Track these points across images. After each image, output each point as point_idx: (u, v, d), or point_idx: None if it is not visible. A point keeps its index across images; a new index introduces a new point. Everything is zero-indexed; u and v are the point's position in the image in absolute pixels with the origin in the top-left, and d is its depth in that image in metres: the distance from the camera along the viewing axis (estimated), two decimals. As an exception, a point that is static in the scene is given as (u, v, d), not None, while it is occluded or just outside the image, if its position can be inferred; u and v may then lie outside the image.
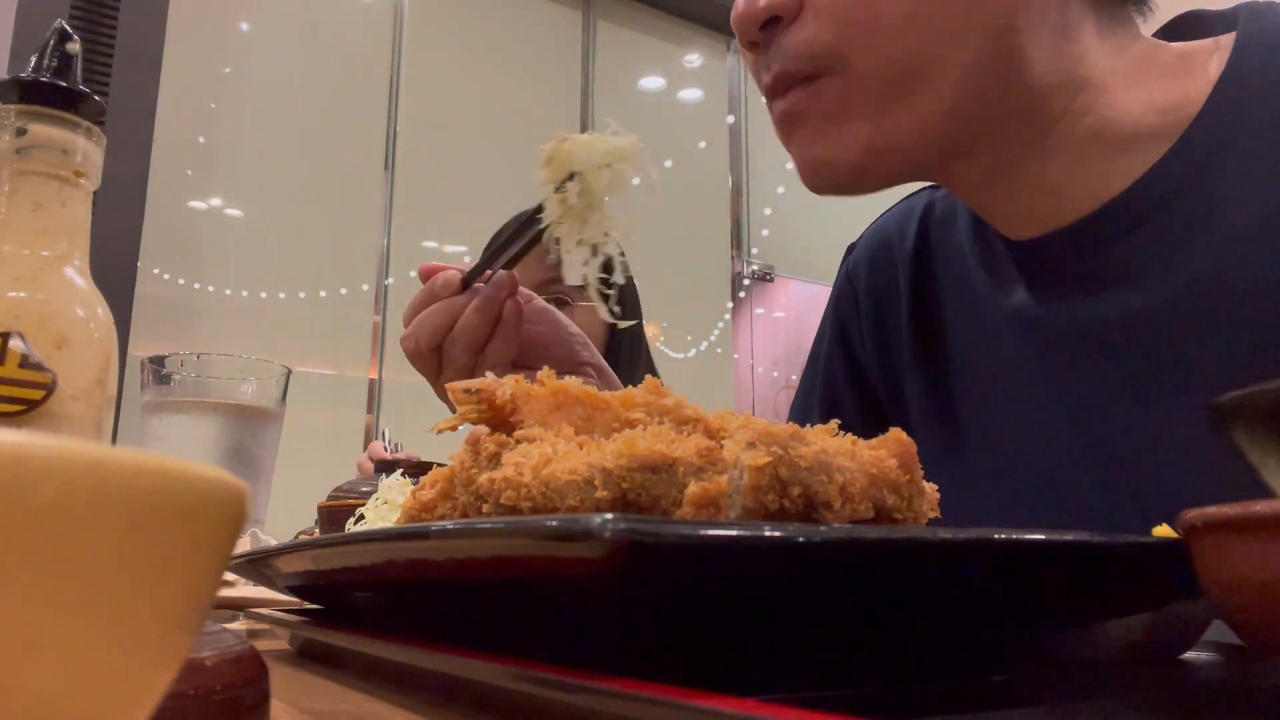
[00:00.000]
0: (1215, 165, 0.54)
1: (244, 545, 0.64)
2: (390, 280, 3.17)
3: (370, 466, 1.69)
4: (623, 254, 0.64)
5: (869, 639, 0.29)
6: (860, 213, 0.86)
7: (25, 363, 0.43)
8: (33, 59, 0.47)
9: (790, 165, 0.61)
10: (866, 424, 0.74)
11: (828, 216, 3.23)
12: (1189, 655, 0.36)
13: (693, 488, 0.28)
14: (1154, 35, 0.63)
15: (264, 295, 2.95)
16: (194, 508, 0.14)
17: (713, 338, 3.94)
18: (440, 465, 0.39)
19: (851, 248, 0.82)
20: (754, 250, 4.08)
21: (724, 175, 4.07)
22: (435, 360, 0.71)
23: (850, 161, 0.57)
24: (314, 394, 2.93)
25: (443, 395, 0.68)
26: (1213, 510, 0.24)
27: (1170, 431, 0.54)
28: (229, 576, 0.59)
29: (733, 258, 4.04)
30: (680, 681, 0.21)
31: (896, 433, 0.34)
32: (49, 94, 0.46)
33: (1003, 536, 0.24)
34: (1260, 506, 0.22)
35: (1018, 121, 0.56)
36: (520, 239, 0.67)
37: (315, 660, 0.47)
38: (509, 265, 0.69)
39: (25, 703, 0.12)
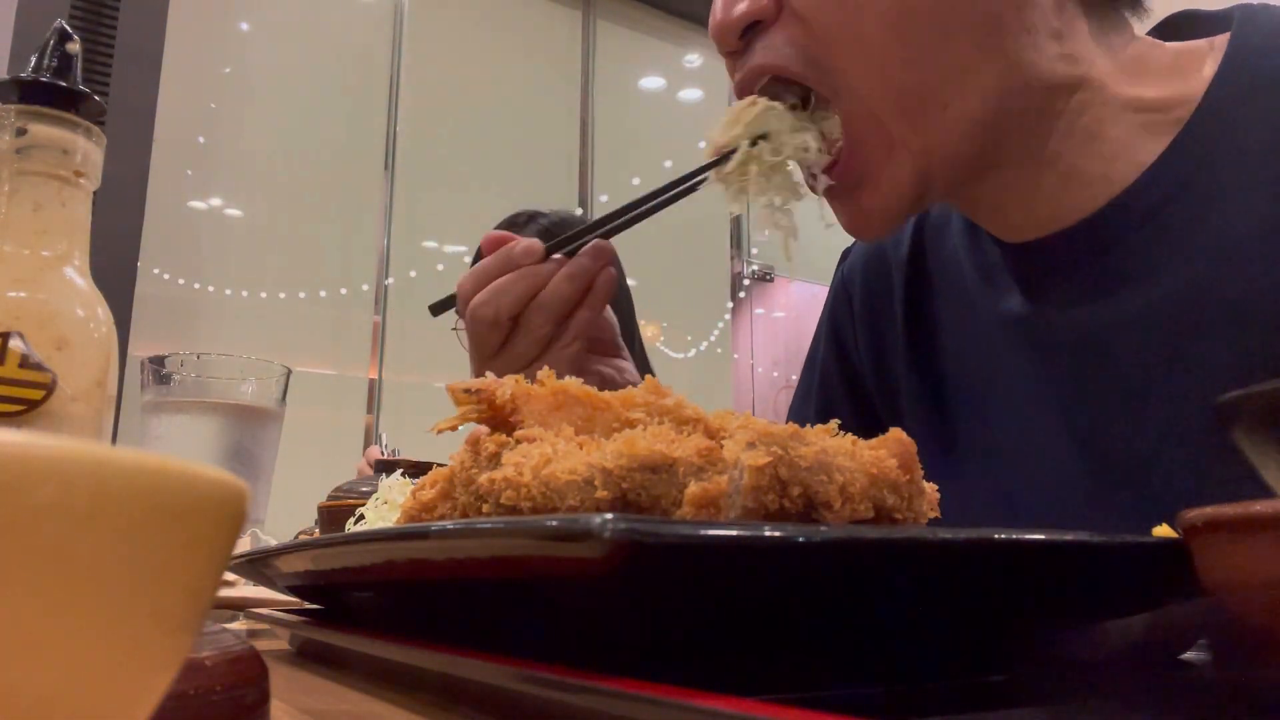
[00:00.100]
0: (1208, 170, 0.54)
1: (244, 545, 0.64)
2: (390, 280, 3.17)
3: (370, 472, 1.69)
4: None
5: (869, 639, 0.29)
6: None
7: (25, 363, 0.43)
8: (33, 59, 0.47)
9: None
10: (862, 427, 0.74)
11: (828, 216, 3.22)
12: (1189, 655, 0.36)
13: (693, 488, 0.28)
14: (1149, 34, 0.63)
15: (264, 295, 2.95)
16: (194, 508, 0.14)
17: (712, 338, 3.94)
18: (440, 465, 0.39)
19: (847, 251, 0.82)
20: (754, 250, 4.08)
21: (724, 175, 4.06)
22: (507, 330, 0.67)
23: (903, 195, 0.57)
24: (314, 394, 2.93)
25: (493, 370, 0.65)
26: (1213, 510, 0.24)
27: (1164, 434, 0.54)
28: (229, 576, 0.59)
29: (732, 258, 4.04)
30: (680, 681, 0.21)
31: (896, 433, 0.34)
32: (49, 94, 0.46)
33: (1003, 536, 0.24)
34: (1260, 506, 0.22)
35: (1031, 120, 0.57)
36: (639, 208, 0.65)
37: (315, 660, 0.47)
38: (609, 234, 0.67)
39: (25, 703, 0.12)
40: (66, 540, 0.12)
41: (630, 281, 1.62)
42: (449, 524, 0.28)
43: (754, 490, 0.29)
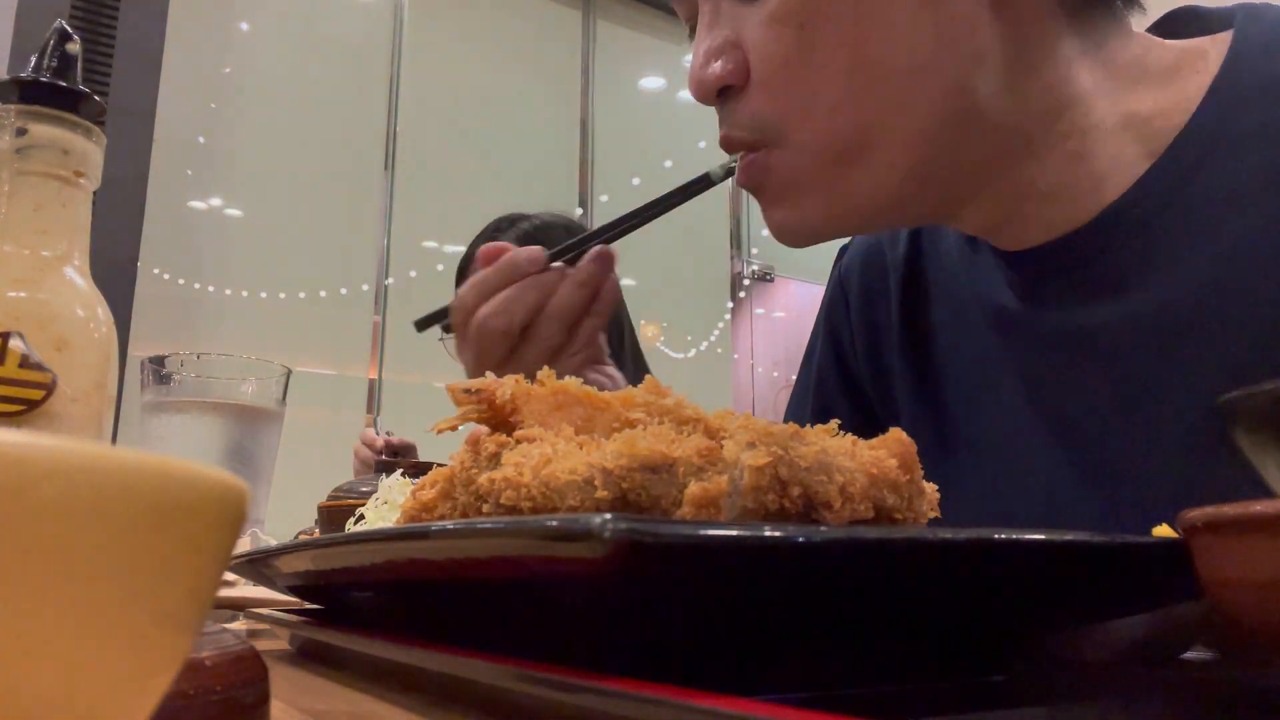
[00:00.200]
0: (1204, 175, 0.53)
1: (244, 545, 0.64)
2: (390, 280, 3.17)
3: (365, 453, 1.70)
4: None
5: (869, 639, 0.29)
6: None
7: (25, 363, 0.43)
8: (33, 59, 0.47)
9: None
10: (859, 425, 0.74)
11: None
12: (1189, 655, 0.36)
13: (693, 488, 0.28)
14: (1150, 29, 0.63)
15: (264, 295, 2.95)
16: (194, 508, 0.14)
17: (712, 338, 3.94)
18: (440, 465, 0.39)
19: (843, 251, 0.82)
20: (754, 250, 4.08)
21: (724, 175, 4.06)
22: (515, 340, 0.67)
23: (813, 227, 0.58)
24: (314, 394, 2.93)
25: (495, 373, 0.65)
26: (1213, 510, 0.24)
27: (1158, 439, 0.54)
28: (229, 576, 0.59)
29: (732, 258, 4.04)
30: (680, 681, 0.21)
31: (896, 433, 0.34)
32: (49, 94, 0.46)
33: (1003, 536, 0.24)
34: (1260, 506, 0.22)
35: (995, 161, 0.56)
36: (645, 214, 0.65)
37: (315, 660, 0.47)
38: (609, 241, 0.67)
39: (25, 703, 0.12)
40: (66, 540, 0.12)
41: (630, 281, 1.63)
42: (449, 524, 0.28)
43: (754, 490, 0.29)
